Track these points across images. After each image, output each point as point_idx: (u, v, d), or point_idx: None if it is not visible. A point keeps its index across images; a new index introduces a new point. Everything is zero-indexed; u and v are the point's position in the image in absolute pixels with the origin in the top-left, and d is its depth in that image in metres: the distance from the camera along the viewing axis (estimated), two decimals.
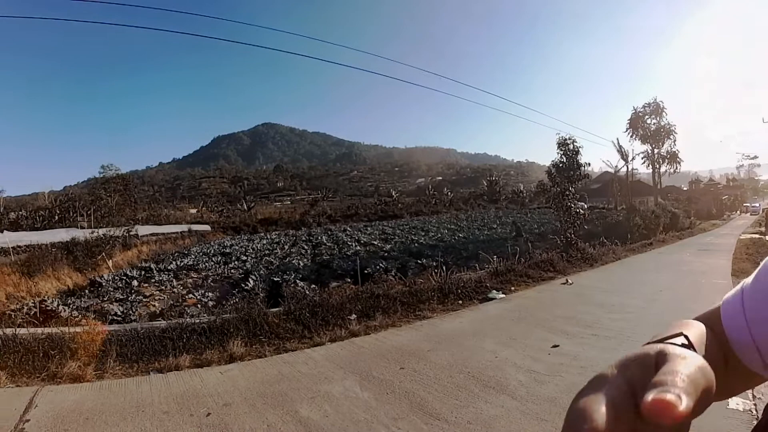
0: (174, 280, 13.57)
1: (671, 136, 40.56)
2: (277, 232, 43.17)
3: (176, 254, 23.05)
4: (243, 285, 11.39)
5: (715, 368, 0.35)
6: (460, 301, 8.00)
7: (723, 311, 0.51)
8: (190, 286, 12.59)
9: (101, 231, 21.28)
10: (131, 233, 25.66)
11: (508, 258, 10.84)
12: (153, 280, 13.45)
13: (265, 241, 29.77)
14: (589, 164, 14.33)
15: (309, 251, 21.28)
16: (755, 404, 3.58)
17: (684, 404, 0.28)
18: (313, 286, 9.87)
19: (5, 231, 26.10)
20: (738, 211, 58.42)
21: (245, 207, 71.12)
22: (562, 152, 13.84)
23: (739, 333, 0.48)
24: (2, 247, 19.79)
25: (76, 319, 7.69)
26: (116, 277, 13.51)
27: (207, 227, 49.04)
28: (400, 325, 6.75)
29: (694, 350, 0.36)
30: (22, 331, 5.80)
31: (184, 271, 15.50)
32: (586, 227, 14.48)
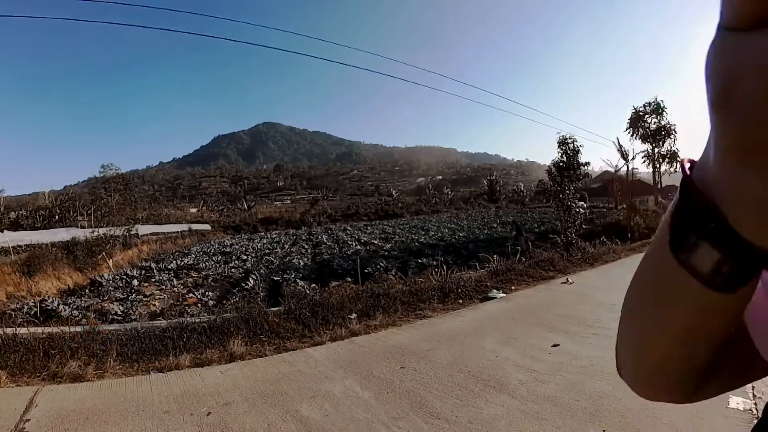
0: (174, 280, 13.56)
1: (672, 136, 40.54)
2: (277, 232, 43.16)
3: (176, 253, 23.03)
4: (243, 284, 11.39)
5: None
6: (461, 301, 7.99)
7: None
8: (190, 285, 12.58)
9: (101, 230, 21.33)
10: (131, 233, 25.67)
11: (508, 257, 10.83)
12: (153, 280, 13.44)
13: (265, 241, 29.75)
14: (589, 163, 14.31)
15: (309, 250, 21.27)
16: (755, 403, 3.58)
17: None
18: (314, 285, 9.85)
19: (5, 230, 26.15)
20: None
21: (245, 206, 71.13)
22: (562, 151, 13.83)
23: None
24: (3, 247, 19.82)
25: (77, 318, 7.71)
26: (116, 277, 13.50)
27: (207, 227, 49.02)
28: (401, 324, 6.74)
29: None
30: (23, 330, 5.81)
31: (185, 271, 15.49)
32: (586, 226, 14.47)
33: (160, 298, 10.60)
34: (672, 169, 41.55)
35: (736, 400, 3.60)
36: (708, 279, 0.29)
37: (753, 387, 3.85)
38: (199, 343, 5.74)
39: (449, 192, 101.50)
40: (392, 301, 7.44)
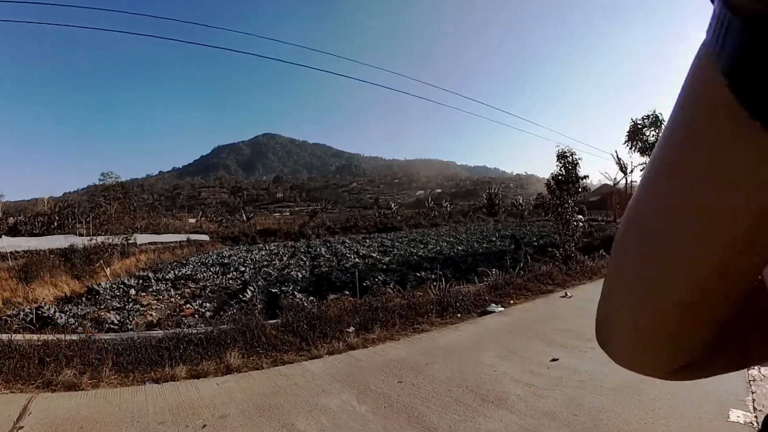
0: (172, 290, 13.50)
1: None
2: (275, 243, 43.13)
3: (174, 264, 22.98)
4: (241, 296, 11.33)
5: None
6: (459, 315, 7.96)
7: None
8: (187, 296, 12.52)
9: (100, 238, 21.27)
10: (130, 241, 25.63)
11: (507, 271, 10.81)
12: (151, 290, 13.38)
13: (263, 252, 29.70)
14: (588, 177, 14.36)
15: (307, 263, 21.21)
16: (756, 416, 3.56)
17: None
18: (312, 298, 9.81)
19: (3, 236, 26.05)
20: None
21: (244, 217, 71.19)
22: (561, 165, 13.88)
23: None
24: (0, 253, 19.75)
25: (73, 326, 7.66)
26: (114, 286, 13.44)
27: (206, 237, 48.98)
28: (399, 338, 6.71)
29: None
30: (18, 337, 5.77)
31: (182, 281, 15.43)
32: (585, 240, 14.48)
33: (157, 308, 10.54)
34: None
35: (736, 413, 3.58)
36: None
37: (753, 400, 3.83)
38: (196, 355, 5.70)
39: (448, 205, 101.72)
40: (390, 315, 7.40)
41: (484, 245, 25.38)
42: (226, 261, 23.16)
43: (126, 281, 14.55)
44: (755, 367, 4.54)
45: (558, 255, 13.42)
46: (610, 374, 4.69)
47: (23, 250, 20.56)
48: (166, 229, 55.57)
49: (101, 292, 12.31)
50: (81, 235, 30.21)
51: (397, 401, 4.25)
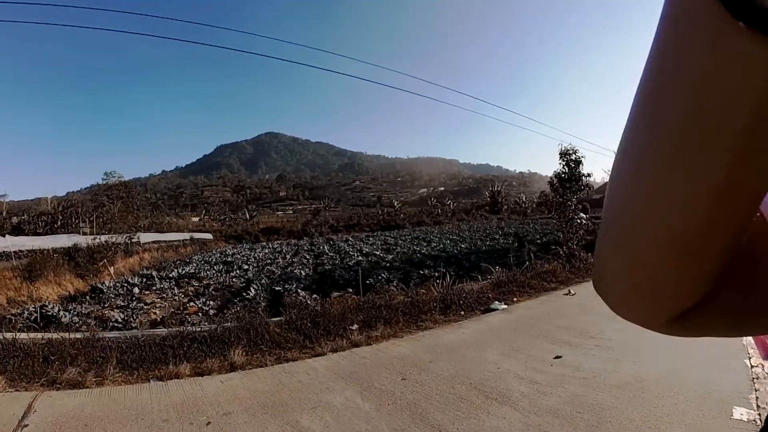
0: (175, 288, 13.54)
1: None
2: (279, 242, 43.24)
3: (178, 262, 23.06)
4: (244, 294, 11.35)
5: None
6: (462, 312, 7.96)
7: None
8: (191, 294, 12.56)
9: (103, 237, 21.37)
10: (133, 240, 25.71)
11: (510, 269, 10.80)
12: (154, 288, 13.42)
13: (266, 251, 29.76)
14: (591, 174, 14.29)
15: (311, 261, 21.25)
16: (759, 414, 3.54)
17: None
18: (315, 295, 9.82)
19: (7, 235, 26.19)
20: None
21: (247, 216, 71.33)
22: (564, 163, 13.83)
23: None
24: (4, 252, 19.84)
25: (77, 324, 7.70)
26: (117, 284, 13.49)
27: (209, 236, 49.18)
28: (402, 335, 6.71)
29: None
30: (23, 335, 5.81)
31: (186, 279, 15.47)
32: (588, 238, 14.42)
33: (160, 307, 10.58)
34: None
35: (740, 411, 3.57)
36: None
37: (757, 398, 3.81)
38: (200, 352, 5.72)
39: (451, 203, 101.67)
40: (394, 313, 7.41)
41: (488, 243, 25.35)
42: (229, 259, 23.21)
43: (130, 280, 14.61)
44: (759, 365, 4.52)
45: (561, 253, 13.40)
46: (613, 372, 4.68)
47: (27, 250, 20.64)
48: (169, 228, 55.79)
49: (105, 290, 12.36)
50: (84, 234, 30.38)
51: (400, 398, 4.25)
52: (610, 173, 0.33)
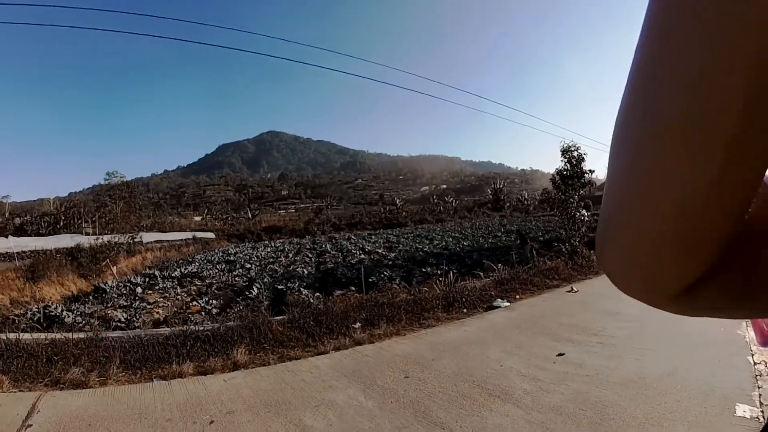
0: (178, 288, 13.58)
1: None
2: (281, 240, 43.26)
3: (180, 261, 23.10)
4: (247, 293, 11.37)
5: None
6: (465, 310, 7.95)
7: None
8: (194, 293, 12.59)
9: (106, 237, 21.41)
10: (136, 240, 25.77)
11: (512, 266, 10.79)
12: (157, 287, 13.46)
13: (269, 249, 29.79)
14: (593, 171, 14.25)
15: (313, 259, 21.26)
16: (762, 411, 3.53)
17: None
18: (318, 294, 9.83)
19: (10, 236, 26.29)
20: None
21: (249, 215, 71.41)
22: (566, 159, 13.79)
23: None
24: (7, 252, 19.92)
25: (80, 325, 7.72)
26: (120, 284, 13.52)
27: (211, 235, 49.25)
28: (405, 333, 6.71)
29: None
30: (26, 336, 5.83)
31: (189, 279, 15.50)
32: (590, 235, 14.39)
33: (163, 306, 10.60)
34: None
35: (742, 408, 3.56)
36: None
37: (760, 395, 3.80)
38: (203, 352, 5.73)
39: (453, 201, 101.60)
40: (396, 311, 7.40)
41: (490, 240, 25.34)
42: (231, 258, 23.25)
43: (132, 279, 14.63)
44: (762, 362, 4.51)
45: (564, 250, 13.37)
46: (616, 369, 4.67)
47: (30, 250, 20.74)
48: (171, 228, 55.95)
49: (108, 290, 12.38)
50: (87, 234, 30.47)
51: (403, 396, 4.25)
52: (610, 148, 0.31)
